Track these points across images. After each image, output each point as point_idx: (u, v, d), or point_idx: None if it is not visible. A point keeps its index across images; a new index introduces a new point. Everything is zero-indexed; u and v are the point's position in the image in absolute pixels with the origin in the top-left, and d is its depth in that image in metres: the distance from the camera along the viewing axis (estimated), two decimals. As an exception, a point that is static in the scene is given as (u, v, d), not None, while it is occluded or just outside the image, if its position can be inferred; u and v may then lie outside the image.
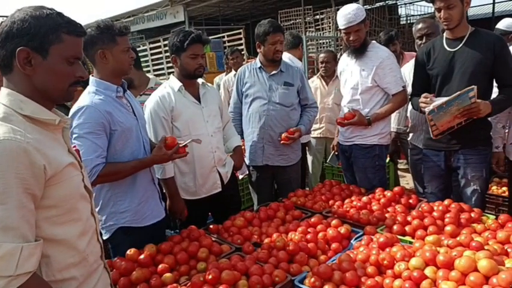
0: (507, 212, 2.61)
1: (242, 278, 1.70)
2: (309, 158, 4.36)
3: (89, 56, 1.93)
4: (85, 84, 1.93)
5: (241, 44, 8.66)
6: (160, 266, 1.83)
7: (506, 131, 2.66)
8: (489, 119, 2.56)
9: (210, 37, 9.74)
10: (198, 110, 2.44)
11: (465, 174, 2.38)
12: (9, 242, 0.96)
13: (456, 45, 2.33)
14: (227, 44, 9.17)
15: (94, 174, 1.81)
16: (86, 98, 1.89)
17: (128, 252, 1.88)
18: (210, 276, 1.64)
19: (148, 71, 10.02)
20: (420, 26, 3.02)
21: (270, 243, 2.03)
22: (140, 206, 2.03)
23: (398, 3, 12.84)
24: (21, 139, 1.02)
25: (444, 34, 2.41)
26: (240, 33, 9.11)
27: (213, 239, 2.13)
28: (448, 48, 2.36)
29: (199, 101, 2.46)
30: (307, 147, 4.40)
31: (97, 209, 2.01)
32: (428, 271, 1.52)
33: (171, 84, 2.43)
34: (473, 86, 2.13)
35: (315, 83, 4.27)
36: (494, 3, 13.65)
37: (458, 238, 1.78)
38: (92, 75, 1.97)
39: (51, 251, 1.11)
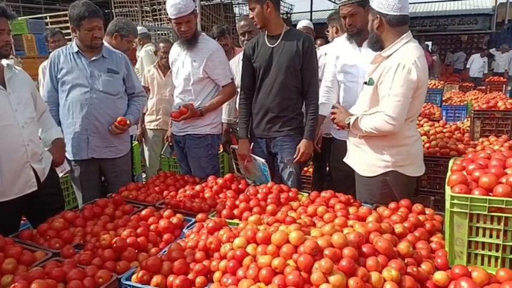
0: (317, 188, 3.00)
1: (59, 285, 1.51)
2: (146, 151, 4.23)
3: None
4: None
5: (67, 27, 7.72)
6: None
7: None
8: None
9: (28, 16, 8.40)
10: (2, 97, 2.07)
11: (282, 158, 2.68)
12: None
13: (274, 41, 2.59)
14: (50, 26, 8.06)
15: None
16: None
17: None
18: (16, 290, 1.40)
19: None
20: (242, 23, 3.25)
21: (95, 243, 1.87)
22: None
23: (233, 2, 13.54)
24: None
25: (266, 31, 2.64)
26: (66, 15, 8.10)
27: (25, 246, 1.84)
28: (269, 44, 2.60)
29: (4, 87, 2.09)
30: (143, 139, 4.26)
31: None
32: (250, 248, 1.63)
33: None
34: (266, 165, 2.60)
35: (151, 72, 4.14)
36: (311, 11, 15.98)
37: (276, 216, 1.98)
38: None
39: None
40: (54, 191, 2.41)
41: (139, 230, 1.97)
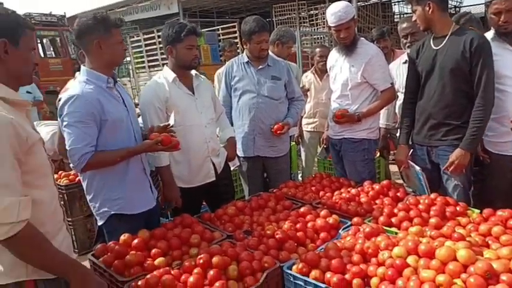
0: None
1: (232, 263, 1.76)
2: (303, 152, 4.42)
3: (83, 44, 1.97)
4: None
5: (235, 38, 8.63)
6: (153, 251, 1.88)
7: None
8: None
9: (205, 29, 9.73)
10: (191, 101, 2.48)
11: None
12: (10, 196, 1.20)
13: (439, 43, 2.39)
14: (221, 37, 9.17)
15: (83, 162, 1.87)
16: (77, 87, 1.93)
17: (122, 237, 1.93)
18: (201, 261, 1.70)
19: (143, 61, 9.99)
20: (404, 25, 3.10)
21: (261, 231, 2.09)
22: (132, 194, 2.07)
23: (392, 1, 12.90)
24: (7, 115, 1.23)
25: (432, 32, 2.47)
26: (234, 27, 9.10)
27: (205, 226, 2.18)
28: (433, 46, 2.42)
29: (193, 92, 2.50)
30: (300, 141, 4.46)
31: (90, 197, 2.06)
32: (410, 260, 1.59)
33: (165, 75, 2.46)
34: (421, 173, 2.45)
35: (309, 77, 4.30)
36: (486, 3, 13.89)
37: (441, 230, 1.85)
38: (84, 65, 2.00)
39: None
40: (228, 182, 2.79)
41: (298, 225, 2.12)
